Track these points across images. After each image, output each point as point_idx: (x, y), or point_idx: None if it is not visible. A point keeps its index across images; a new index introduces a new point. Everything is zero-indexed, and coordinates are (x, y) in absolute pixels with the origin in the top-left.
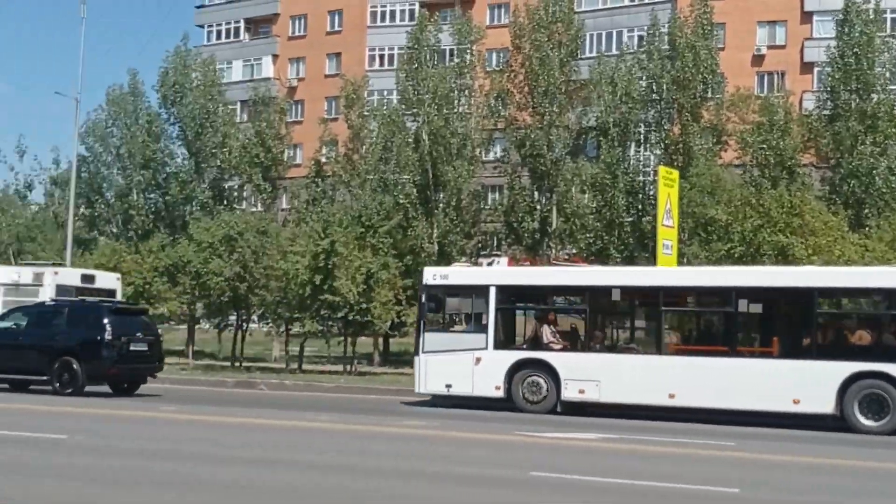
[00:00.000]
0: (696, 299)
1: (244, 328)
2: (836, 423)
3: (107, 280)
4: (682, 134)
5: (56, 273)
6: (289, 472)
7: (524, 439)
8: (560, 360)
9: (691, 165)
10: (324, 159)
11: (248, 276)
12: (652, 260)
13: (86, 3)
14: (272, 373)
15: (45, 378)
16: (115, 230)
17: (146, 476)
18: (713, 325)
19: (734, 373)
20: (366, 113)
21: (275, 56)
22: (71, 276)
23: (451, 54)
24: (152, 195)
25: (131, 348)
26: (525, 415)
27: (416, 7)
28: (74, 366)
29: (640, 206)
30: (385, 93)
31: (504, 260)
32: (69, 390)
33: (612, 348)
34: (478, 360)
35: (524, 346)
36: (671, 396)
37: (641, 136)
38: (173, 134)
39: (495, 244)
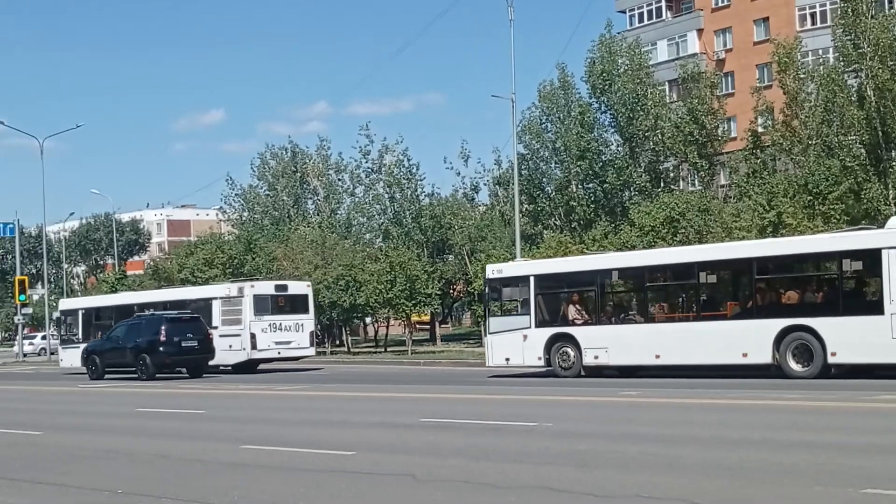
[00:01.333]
0: (669, 274)
1: None
2: (777, 371)
3: (298, 288)
4: None
5: (252, 286)
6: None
7: None
8: (581, 333)
9: None
10: (760, 129)
11: None
12: None
13: (513, 6)
14: None
15: (132, 368)
16: (558, 223)
17: (619, 460)
18: (683, 295)
19: (699, 334)
20: (802, 76)
21: (699, 30)
22: (266, 287)
23: (892, 1)
24: (591, 185)
25: (183, 345)
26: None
27: None
28: (147, 360)
29: None
30: (820, 52)
31: None
32: (145, 377)
33: (615, 320)
34: (525, 337)
35: (557, 324)
36: (657, 357)
37: None
38: (605, 122)
39: None
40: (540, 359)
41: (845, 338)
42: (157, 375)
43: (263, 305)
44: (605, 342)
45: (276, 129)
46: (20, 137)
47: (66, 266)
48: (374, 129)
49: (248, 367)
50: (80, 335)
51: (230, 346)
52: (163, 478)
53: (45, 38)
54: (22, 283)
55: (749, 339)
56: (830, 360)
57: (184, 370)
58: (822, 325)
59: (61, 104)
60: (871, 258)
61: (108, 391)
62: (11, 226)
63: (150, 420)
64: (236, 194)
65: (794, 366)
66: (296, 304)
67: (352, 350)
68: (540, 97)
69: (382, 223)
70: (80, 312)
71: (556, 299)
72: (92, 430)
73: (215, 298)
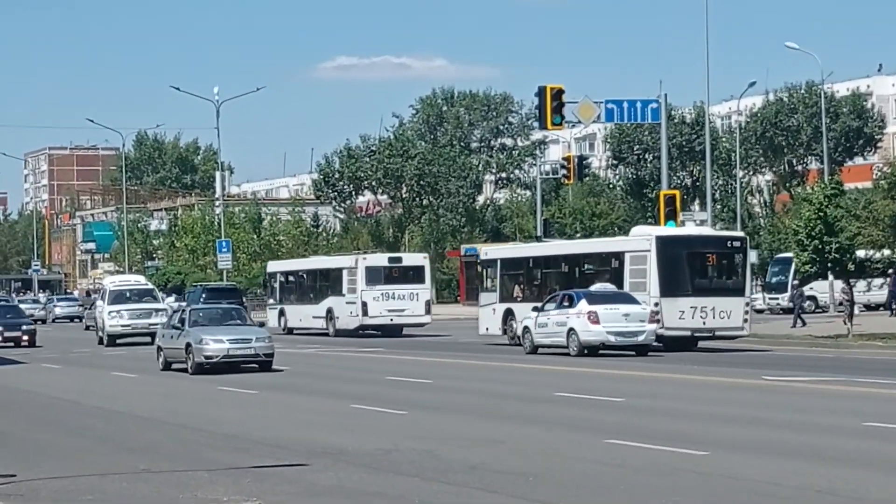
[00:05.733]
0: (555, 263)
1: None
2: None
3: (413, 259)
4: None
5: (365, 258)
6: None
7: None
8: (516, 308)
9: None
10: None
11: None
12: None
13: None
14: None
15: None
16: None
17: None
18: (551, 280)
19: None
20: None
21: None
22: (379, 259)
23: None
24: None
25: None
26: None
27: None
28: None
29: None
30: None
31: None
32: None
33: (528, 299)
34: (493, 311)
35: (509, 300)
36: None
37: None
38: None
39: None
40: (499, 329)
41: None
42: None
43: (375, 276)
44: (521, 316)
45: None
46: None
47: (739, 172)
48: None
49: (391, 332)
50: (278, 297)
51: (350, 313)
52: None
53: None
54: (671, 199)
55: None
56: None
57: None
58: None
59: None
60: (620, 257)
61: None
62: (654, 105)
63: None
64: None
65: None
66: (410, 275)
67: None
68: None
69: None
70: (279, 275)
71: (510, 279)
72: (775, 453)
73: (344, 269)
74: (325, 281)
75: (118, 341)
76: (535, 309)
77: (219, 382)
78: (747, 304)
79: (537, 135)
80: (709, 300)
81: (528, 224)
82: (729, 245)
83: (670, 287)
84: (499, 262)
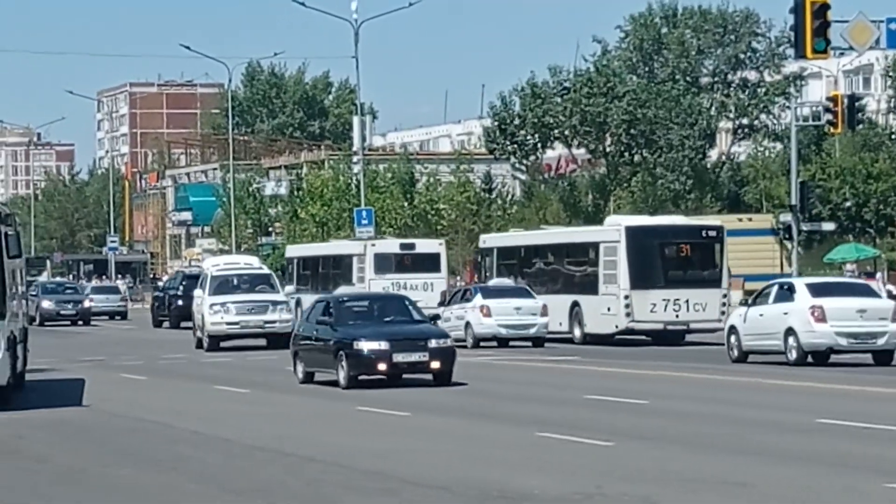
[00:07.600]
0: (543, 253)
1: None
2: None
3: (427, 246)
4: None
5: (374, 244)
6: None
7: None
8: None
9: None
10: None
11: None
12: None
13: None
14: None
15: None
16: None
17: None
18: (549, 269)
19: None
20: None
21: None
22: (389, 245)
23: None
24: None
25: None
26: None
27: None
28: None
29: None
30: None
31: None
32: None
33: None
34: None
35: None
36: None
37: None
38: None
39: None
40: None
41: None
42: None
43: (385, 264)
44: None
45: None
46: None
47: None
48: None
49: None
50: (295, 287)
51: None
52: None
53: None
54: None
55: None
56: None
57: None
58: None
59: None
60: (596, 248)
61: None
62: None
63: None
64: None
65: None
66: (424, 263)
67: None
68: None
69: None
70: (296, 262)
71: (506, 269)
72: None
73: (353, 255)
74: (336, 269)
75: (223, 344)
76: (441, 304)
77: (360, 402)
78: (724, 296)
79: (792, 66)
80: (682, 292)
81: (778, 188)
82: (704, 235)
83: (641, 279)
84: (495, 251)
